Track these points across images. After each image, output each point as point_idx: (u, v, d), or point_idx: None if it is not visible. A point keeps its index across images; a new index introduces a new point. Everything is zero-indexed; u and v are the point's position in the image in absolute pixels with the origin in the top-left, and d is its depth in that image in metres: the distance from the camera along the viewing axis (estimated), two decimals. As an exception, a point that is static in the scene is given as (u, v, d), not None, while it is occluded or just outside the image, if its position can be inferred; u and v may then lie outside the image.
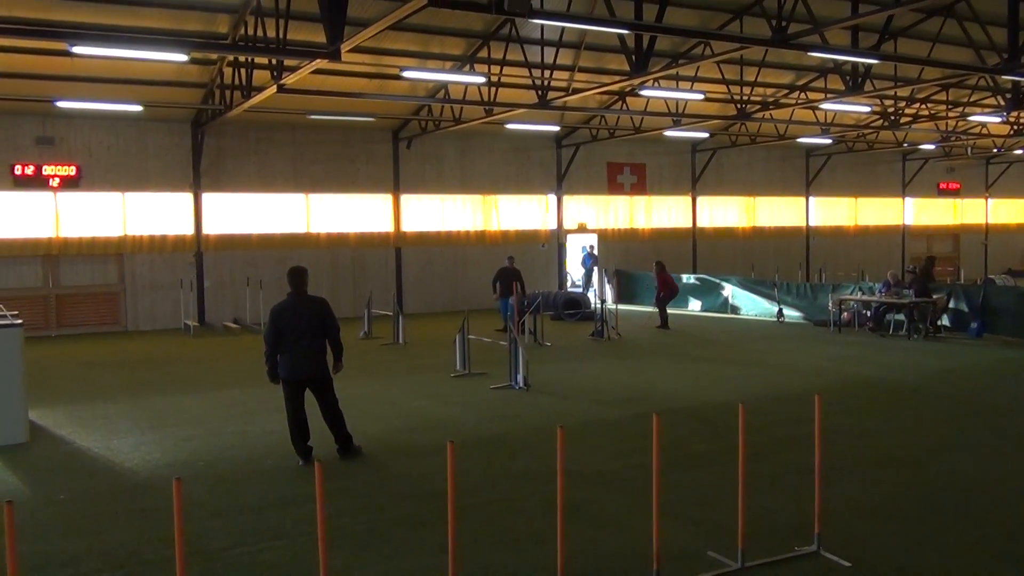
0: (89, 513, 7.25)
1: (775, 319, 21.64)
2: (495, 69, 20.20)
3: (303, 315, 8.57)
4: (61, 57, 17.73)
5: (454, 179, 26.58)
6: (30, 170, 20.94)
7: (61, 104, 19.42)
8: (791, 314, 21.78)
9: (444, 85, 22.31)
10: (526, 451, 9.12)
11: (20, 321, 10.22)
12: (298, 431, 8.66)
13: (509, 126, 24.47)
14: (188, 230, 22.90)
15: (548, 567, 5.65)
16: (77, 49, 14.52)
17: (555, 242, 28.49)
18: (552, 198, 28.33)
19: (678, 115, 24.41)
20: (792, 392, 12.25)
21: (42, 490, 7.94)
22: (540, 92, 19.85)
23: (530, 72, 19.59)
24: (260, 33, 16.18)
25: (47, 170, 21.10)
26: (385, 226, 25.63)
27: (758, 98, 24.74)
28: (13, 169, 20.79)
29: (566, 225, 28.63)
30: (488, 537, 6.42)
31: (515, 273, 18.88)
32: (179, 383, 13.61)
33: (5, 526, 3.91)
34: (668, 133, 26.02)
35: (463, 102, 21.57)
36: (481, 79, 19.73)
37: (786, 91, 25.43)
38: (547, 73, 19.85)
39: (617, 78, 19.16)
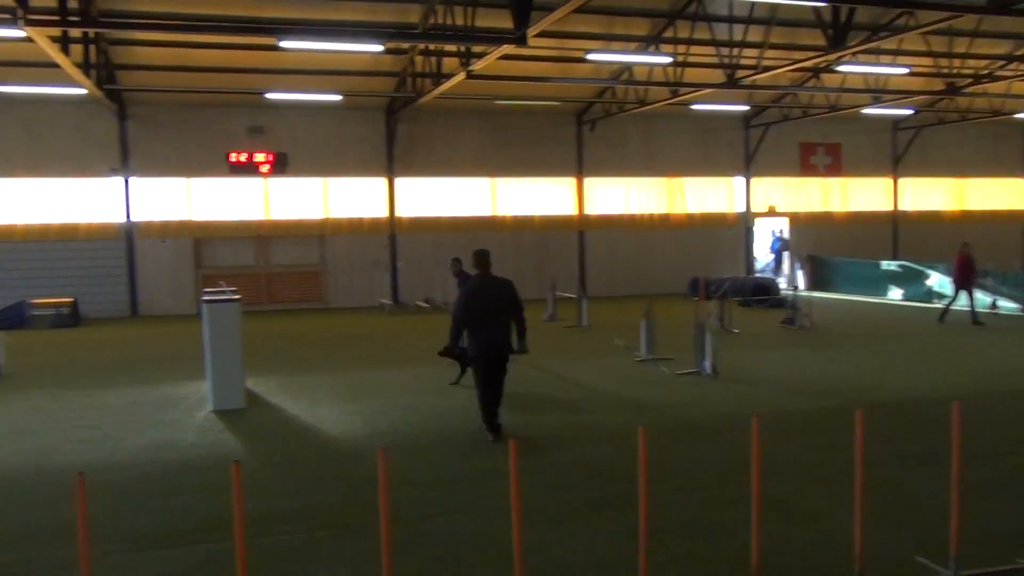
0: (299, 476, 7.78)
1: (988, 310, 19.96)
2: (681, 48, 19.77)
3: (493, 295, 8.81)
4: (269, 52, 19.02)
5: (638, 162, 26.31)
6: (243, 157, 22.67)
7: (269, 96, 20.88)
8: (1007, 305, 20.05)
9: (628, 67, 22.09)
10: (715, 439, 8.92)
11: (238, 297, 11.09)
12: (490, 408, 8.89)
13: (695, 107, 23.91)
14: (383, 213, 24.03)
15: (741, 560, 5.50)
16: (284, 43, 15.53)
17: (743, 226, 27.62)
18: (740, 180, 27.46)
19: (878, 91, 22.94)
20: (1013, 389, 11.25)
21: (259, 452, 8.59)
22: (728, 71, 19.26)
23: (717, 51, 19.05)
24: (449, 21, 16.65)
25: (258, 157, 22.77)
26: (569, 209, 25.78)
27: (969, 71, 22.80)
28: (229, 157, 22.59)
29: (754, 208, 27.68)
30: (677, 525, 6.33)
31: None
32: (376, 358, 14.33)
33: (233, 484, 4.25)
34: (866, 111, 24.54)
35: (648, 83, 21.27)
36: (667, 59, 19.38)
37: (1003, 62, 23.28)
38: (736, 51, 19.23)
39: (811, 54, 18.25)
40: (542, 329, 17.92)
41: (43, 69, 18.01)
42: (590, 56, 18.27)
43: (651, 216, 26.56)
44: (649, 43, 20.64)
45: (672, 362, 13.29)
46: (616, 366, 13.30)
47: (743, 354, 14.27)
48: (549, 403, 10.69)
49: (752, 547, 5.15)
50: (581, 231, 25.95)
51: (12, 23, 12.32)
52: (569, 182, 25.76)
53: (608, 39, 20.52)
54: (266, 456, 8.44)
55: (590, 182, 25.91)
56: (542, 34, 15.14)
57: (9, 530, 6.40)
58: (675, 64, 19.86)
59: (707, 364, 12.29)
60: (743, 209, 27.57)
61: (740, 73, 19.40)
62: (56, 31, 14.29)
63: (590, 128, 25.59)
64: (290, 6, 17.37)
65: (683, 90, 20.91)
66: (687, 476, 7.59)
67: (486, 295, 8.80)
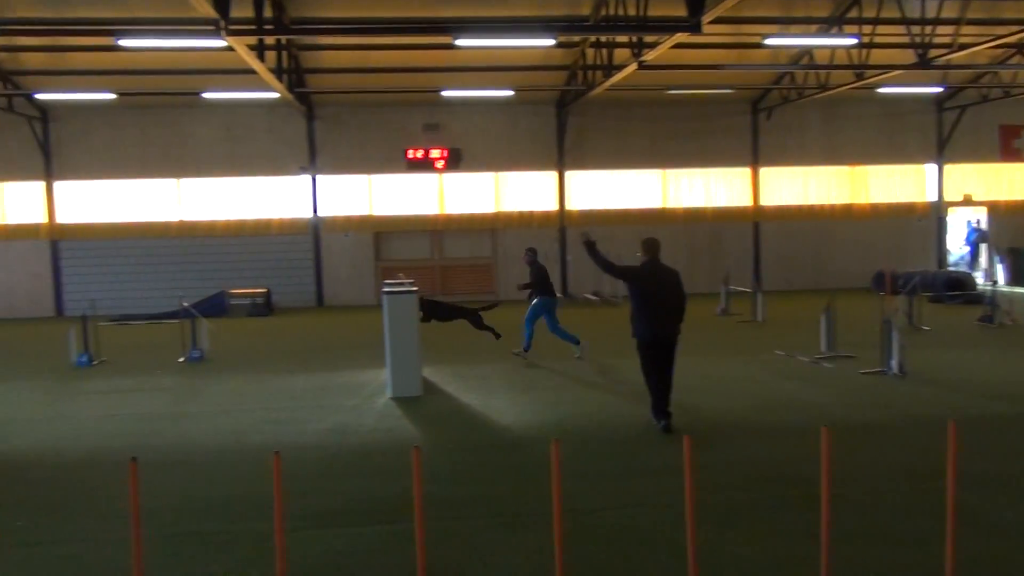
0: (472, 463, 7.99)
1: None
2: (867, 29, 18.67)
3: (665, 282, 8.88)
4: (444, 51, 19.60)
5: (817, 150, 25.16)
6: (419, 154, 23.50)
7: (445, 93, 21.51)
8: None
9: (808, 50, 21.14)
10: (902, 443, 8.40)
11: (415, 288, 11.52)
12: (659, 395, 8.86)
13: (881, 90, 22.57)
14: (553, 207, 24.23)
15: (932, 572, 5.15)
16: (460, 41, 15.92)
17: (934, 216, 25.82)
18: (931, 167, 25.67)
19: (1096, 66, 20.77)
20: None
21: (434, 439, 8.90)
22: (919, 51, 18.01)
23: (908, 29, 17.85)
24: (621, 12, 16.53)
25: (433, 153, 23.53)
26: (743, 200, 25.03)
27: None
28: (406, 153, 23.48)
29: (948, 197, 25.80)
30: (861, 532, 6.00)
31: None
32: (546, 351, 14.45)
33: (413, 468, 4.42)
34: (1082, 88, 22.28)
35: (829, 67, 20.29)
36: (851, 40, 18.37)
37: None
38: (928, 29, 17.95)
39: (1015, 28, 16.77)
40: (714, 323, 17.52)
41: (241, 76, 19.39)
42: (768, 41, 17.58)
43: (832, 206, 25.32)
44: (832, 24, 19.65)
45: (854, 360, 12.64)
46: (793, 363, 12.78)
47: (934, 353, 13.35)
48: (723, 399, 10.43)
49: (947, 559, 4.82)
50: (756, 223, 25.13)
51: (215, 34, 13.34)
52: (743, 172, 24.99)
53: (787, 22, 19.71)
54: (441, 443, 8.73)
55: (766, 172, 25.03)
56: (717, 20, 14.75)
57: (213, 502, 6.95)
58: (860, 45, 18.79)
59: (894, 363, 11.58)
60: (935, 198, 25.74)
61: (933, 52, 18.08)
62: (253, 40, 15.31)
63: (766, 116, 24.70)
64: (465, 5, 17.81)
65: (868, 73, 19.76)
66: (872, 481, 7.19)
67: (656, 281, 8.85)
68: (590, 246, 9.24)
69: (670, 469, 7.33)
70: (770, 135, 24.89)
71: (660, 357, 8.85)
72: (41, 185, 23.00)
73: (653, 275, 8.91)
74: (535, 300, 13.61)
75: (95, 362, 14.36)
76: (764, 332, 16.48)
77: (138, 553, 4.26)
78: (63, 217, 23.16)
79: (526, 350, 13.58)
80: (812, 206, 25.25)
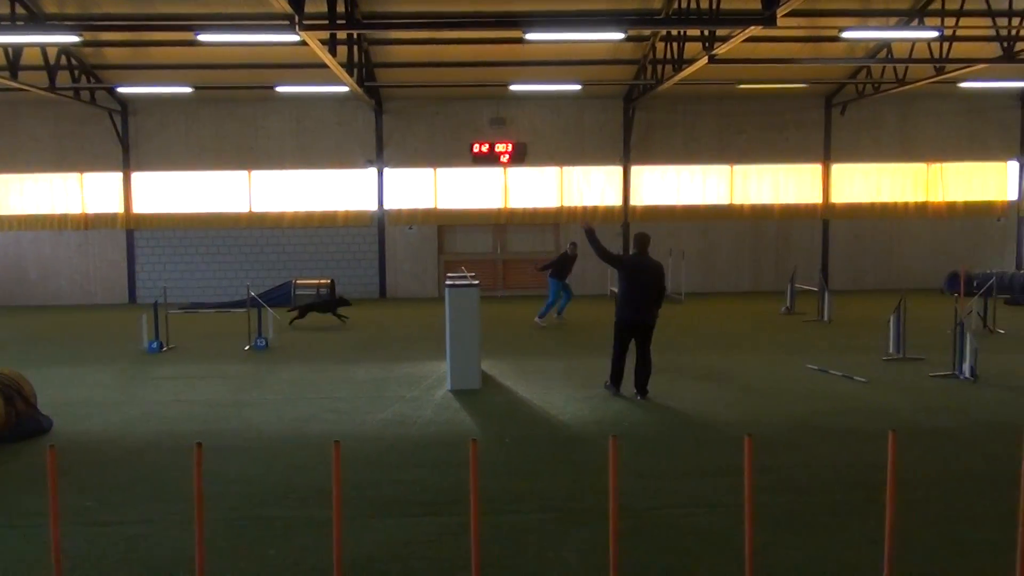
0: (529, 458, 8.00)
1: None
2: (949, 21, 18.05)
3: (650, 273, 10.12)
4: (513, 44, 19.60)
5: (892, 146, 24.46)
6: (485, 148, 23.58)
7: (513, 87, 21.51)
8: None
9: (887, 44, 20.54)
10: (973, 449, 8.12)
11: (477, 282, 11.56)
12: (620, 370, 10.35)
13: (963, 85, 21.77)
14: (617, 201, 24.05)
15: (1004, 584, 4.98)
16: (530, 35, 15.89)
17: (1014, 215, 24.88)
18: (1013, 164, 24.72)
19: None
20: None
21: (491, 433, 8.92)
22: (1005, 44, 17.36)
23: (994, 21, 17.22)
24: (693, 6, 16.30)
25: (499, 147, 23.58)
26: (812, 197, 24.48)
27: None
28: (472, 147, 23.58)
29: (1029, 196, 24.82)
30: (928, 539, 5.83)
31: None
32: (606, 346, 14.35)
33: (470, 461, 4.44)
34: None
35: (908, 61, 19.66)
36: (933, 33, 17.78)
37: None
38: (1016, 21, 17.29)
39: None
40: (779, 322, 17.18)
41: (312, 70, 19.70)
42: (845, 34, 17.09)
43: (906, 205, 24.58)
44: (912, 17, 19.05)
45: (925, 363, 12.26)
46: (860, 364, 12.42)
47: (1008, 358, 12.87)
48: (783, 400, 10.23)
49: (1017, 570, 4.64)
50: (825, 220, 24.55)
51: (290, 28, 13.58)
52: (814, 169, 24.43)
53: (865, 15, 19.20)
54: (498, 436, 8.75)
55: (838, 169, 24.43)
56: (792, 13, 14.45)
57: (274, 489, 7.09)
58: (942, 39, 18.16)
59: (966, 367, 11.21)
60: (1015, 197, 24.79)
61: (1020, 45, 17.42)
62: (325, 34, 15.53)
63: (840, 111, 24.10)
64: (536, -1, 17.77)
65: (950, 67, 19.09)
66: (939, 487, 6.97)
67: (642, 272, 10.06)
68: (590, 233, 10.24)
69: (730, 470, 7.23)
70: (843, 131, 24.30)
71: (636, 339, 10.14)
72: (119, 176, 23.75)
73: (640, 266, 10.09)
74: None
75: (165, 348, 14.78)
76: (829, 332, 16.10)
77: (200, 535, 4.37)
78: (139, 207, 23.89)
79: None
80: (885, 204, 24.56)
